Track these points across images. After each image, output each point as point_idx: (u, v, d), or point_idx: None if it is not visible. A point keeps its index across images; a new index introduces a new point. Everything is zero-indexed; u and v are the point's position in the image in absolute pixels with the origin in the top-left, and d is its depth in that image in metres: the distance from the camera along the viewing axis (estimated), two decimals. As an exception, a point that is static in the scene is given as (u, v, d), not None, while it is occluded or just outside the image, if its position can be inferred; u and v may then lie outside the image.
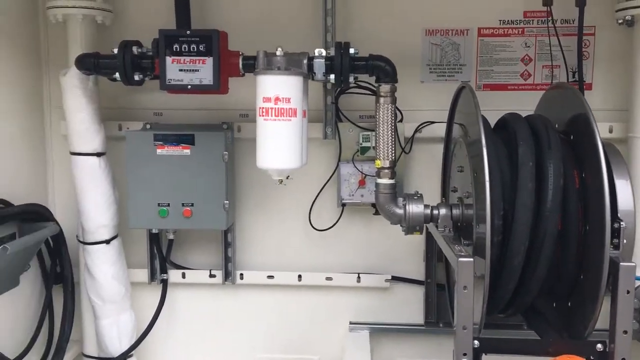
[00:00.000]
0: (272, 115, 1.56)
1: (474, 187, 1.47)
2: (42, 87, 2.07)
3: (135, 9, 2.04)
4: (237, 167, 2.05)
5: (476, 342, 1.39)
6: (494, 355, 1.41)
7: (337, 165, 2.00)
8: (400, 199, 1.68)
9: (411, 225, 1.66)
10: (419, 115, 1.97)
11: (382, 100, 1.66)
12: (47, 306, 2.00)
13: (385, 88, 1.65)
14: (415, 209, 1.64)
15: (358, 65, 1.65)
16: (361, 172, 1.97)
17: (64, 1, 1.85)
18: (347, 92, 1.97)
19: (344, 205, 2.00)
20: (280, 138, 1.58)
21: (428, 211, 1.64)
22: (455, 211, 1.63)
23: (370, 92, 1.91)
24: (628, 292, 1.33)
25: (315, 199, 2.04)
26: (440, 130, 1.91)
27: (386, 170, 1.68)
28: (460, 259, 1.37)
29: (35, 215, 1.86)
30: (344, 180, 1.98)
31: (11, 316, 1.87)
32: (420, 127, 1.97)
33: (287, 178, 1.67)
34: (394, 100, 1.66)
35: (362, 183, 1.97)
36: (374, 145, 1.95)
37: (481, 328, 1.41)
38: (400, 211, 1.67)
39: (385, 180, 1.68)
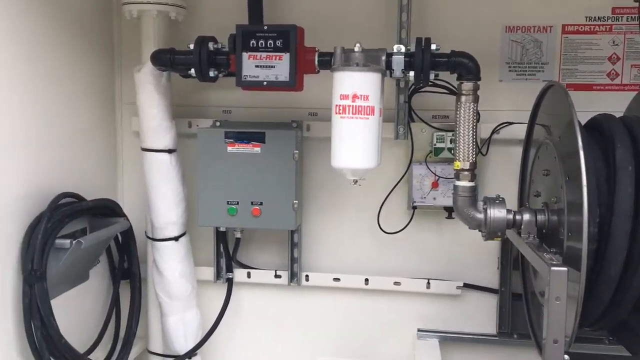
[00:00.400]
0: (349, 113, 1.51)
1: (565, 192, 1.38)
2: (114, 84, 2.09)
3: (206, 6, 2.03)
4: (305, 167, 2.01)
5: (567, 356, 1.30)
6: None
7: (409, 166, 1.93)
8: (480, 203, 1.60)
9: (492, 231, 1.58)
10: (496, 115, 1.88)
11: (463, 98, 1.59)
12: (115, 302, 2.01)
13: (467, 86, 1.58)
14: (497, 213, 1.55)
15: (439, 62, 1.58)
16: (434, 174, 1.90)
17: (139, -3, 1.85)
18: (421, 90, 1.90)
19: (414, 207, 1.93)
20: (357, 137, 1.52)
21: (510, 216, 1.55)
22: (541, 217, 1.53)
23: (446, 91, 1.84)
24: None
25: (385, 200, 1.98)
26: (519, 131, 1.80)
27: (466, 172, 1.60)
28: (553, 268, 1.27)
29: (107, 210, 1.87)
30: (416, 182, 1.91)
31: (80, 311, 1.88)
32: (498, 128, 1.88)
33: (358, 181, 1.61)
34: (476, 99, 1.59)
35: (435, 185, 1.90)
36: (448, 146, 1.89)
37: (572, 342, 1.32)
38: (480, 216, 1.59)
39: (464, 183, 1.61)
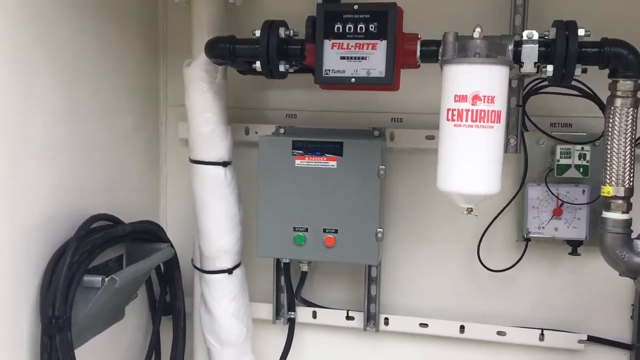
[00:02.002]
0: (467, 120, 1.13)
1: None
2: (158, 81, 1.76)
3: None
4: (386, 186, 1.63)
5: None
6: None
7: (521, 186, 1.54)
8: (637, 242, 1.20)
9: (655, 280, 1.18)
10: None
11: (618, 102, 1.19)
12: (155, 342, 1.68)
13: (625, 86, 1.18)
14: (666, 257, 1.16)
15: (588, 53, 1.18)
16: (557, 198, 1.49)
17: (191, -24, 1.51)
18: (541, 92, 1.50)
19: (528, 239, 1.54)
20: (477, 152, 1.14)
21: (682, 262, 1.16)
22: None
23: (576, 93, 1.44)
24: None
25: (487, 229, 1.59)
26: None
27: (620, 201, 1.20)
28: None
29: (148, 235, 1.53)
30: (532, 208, 1.52)
31: (114, 354, 1.56)
32: (638, 141, 1.46)
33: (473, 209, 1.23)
34: (635, 103, 1.19)
35: (557, 213, 1.50)
36: (576, 162, 1.49)
37: None
38: (638, 259, 1.19)
39: (617, 215, 1.20)
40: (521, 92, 1.52)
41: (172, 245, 1.59)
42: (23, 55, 1.16)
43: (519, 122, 1.53)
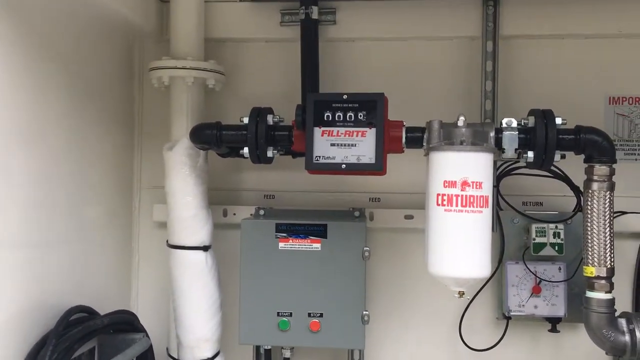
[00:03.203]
0: (457, 205, 1.16)
1: None
2: (133, 164, 1.73)
3: (248, 73, 1.71)
4: (368, 266, 1.62)
5: None
6: None
7: (499, 264, 1.57)
8: (622, 321, 1.24)
9: (642, 358, 1.21)
10: (604, 203, 1.55)
11: (596, 185, 1.25)
12: None
13: (602, 170, 1.25)
14: (650, 336, 1.20)
15: (565, 139, 1.25)
16: (535, 276, 1.53)
17: (172, 61, 1.52)
18: (514, 173, 1.57)
19: (508, 318, 1.56)
20: (468, 236, 1.17)
21: (665, 340, 1.20)
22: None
23: (547, 174, 1.51)
24: None
25: (467, 307, 1.60)
26: (634, 223, 1.50)
27: (603, 282, 1.25)
28: None
29: (124, 325, 1.45)
30: (512, 286, 1.55)
31: None
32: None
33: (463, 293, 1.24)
34: (611, 187, 1.26)
35: (536, 290, 1.53)
36: (551, 241, 1.54)
37: None
38: (624, 338, 1.23)
39: (601, 295, 1.25)
40: (494, 174, 1.58)
41: (147, 335, 1.51)
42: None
43: (494, 202, 1.58)
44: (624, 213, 1.54)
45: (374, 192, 1.68)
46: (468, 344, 1.59)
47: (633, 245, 1.52)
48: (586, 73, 1.61)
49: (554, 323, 1.54)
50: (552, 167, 1.50)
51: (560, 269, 1.53)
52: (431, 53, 1.66)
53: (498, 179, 1.58)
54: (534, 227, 1.54)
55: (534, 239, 1.54)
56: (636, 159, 1.60)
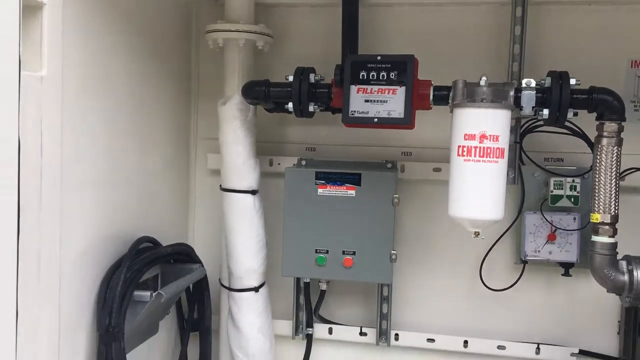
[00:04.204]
0: (475, 156, 1.32)
1: None
2: (190, 117, 1.93)
3: (293, 34, 1.87)
4: (397, 213, 1.80)
5: None
6: None
7: (519, 214, 1.72)
8: (623, 263, 1.39)
9: (638, 296, 1.36)
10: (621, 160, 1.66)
11: (605, 141, 1.38)
12: (183, 357, 1.80)
13: (611, 127, 1.37)
14: (647, 276, 1.34)
15: (579, 99, 1.38)
16: (551, 224, 1.68)
17: (226, 25, 1.70)
18: (535, 130, 1.70)
19: (525, 262, 1.71)
20: (484, 183, 1.33)
21: (661, 280, 1.33)
22: (697, 281, 1.31)
23: (568, 132, 1.63)
24: None
25: (488, 252, 1.76)
26: (650, 179, 1.61)
27: (607, 227, 1.38)
28: None
29: (183, 256, 1.68)
30: (529, 233, 1.70)
31: (146, 368, 1.69)
32: (624, 173, 1.66)
33: (479, 233, 1.41)
34: (619, 142, 1.38)
35: (551, 238, 1.68)
36: (567, 193, 1.67)
37: None
38: (623, 277, 1.37)
39: (604, 239, 1.39)
40: (519, 131, 1.70)
41: (202, 266, 1.74)
42: (76, 101, 1.28)
43: (516, 157, 1.71)
44: (638, 169, 1.66)
45: (406, 147, 1.83)
46: (487, 285, 1.76)
47: (646, 199, 1.63)
48: (610, 38, 1.70)
49: (566, 268, 1.69)
50: (572, 126, 1.64)
51: (574, 219, 1.67)
52: (463, 18, 1.77)
53: (521, 136, 1.71)
54: (552, 180, 1.68)
55: (552, 191, 1.68)
56: (654, 120, 1.70)
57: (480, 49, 1.77)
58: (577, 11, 1.72)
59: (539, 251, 1.69)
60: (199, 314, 1.80)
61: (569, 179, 1.67)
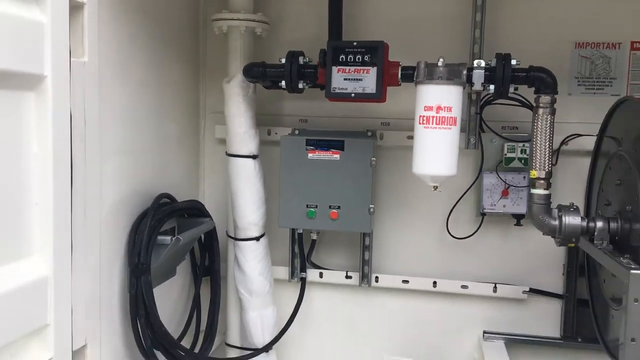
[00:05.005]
0: (433, 124, 1.62)
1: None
2: (199, 94, 2.24)
3: (286, 22, 2.16)
4: (377, 174, 2.11)
5: (645, 355, 1.38)
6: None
7: (479, 174, 2.03)
8: (555, 210, 1.69)
9: (566, 237, 1.67)
10: (565, 127, 1.96)
11: (541, 111, 1.68)
12: (197, 297, 2.14)
13: (545, 99, 1.67)
14: (572, 220, 1.64)
15: (519, 76, 1.68)
16: (505, 182, 1.99)
17: (229, 14, 1.99)
18: (492, 103, 1.99)
19: (484, 214, 2.03)
20: (440, 146, 1.63)
21: (584, 223, 1.64)
22: (614, 224, 1.62)
23: (517, 104, 1.93)
24: None
25: (454, 207, 2.08)
26: (587, 143, 1.91)
27: (542, 181, 1.69)
28: (633, 272, 1.36)
29: (195, 211, 2.00)
30: (486, 190, 2.01)
31: (167, 304, 2.01)
32: (567, 139, 1.97)
33: (438, 187, 1.72)
34: (552, 112, 1.68)
35: (505, 194, 1.99)
36: (519, 156, 1.98)
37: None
38: (555, 222, 1.68)
39: (540, 191, 1.70)
40: (479, 103, 2.01)
41: (212, 220, 2.06)
42: (107, 82, 1.57)
43: (477, 126, 2.02)
44: (579, 135, 1.96)
45: (385, 118, 2.12)
46: (453, 234, 2.08)
47: (586, 161, 1.92)
48: (558, 23, 1.98)
49: (518, 219, 2.00)
50: (522, 98, 1.93)
51: (524, 177, 1.97)
52: (433, 7, 2.05)
53: (481, 107, 2.02)
54: (506, 145, 1.98)
55: (506, 155, 1.98)
56: (594, 93, 1.99)
57: (446, 33, 2.05)
58: (530, 0, 2.00)
59: (494, 205, 2.00)
60: (209, 261, 2.13)
61: (520, 144, 1.97)
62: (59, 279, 1.35)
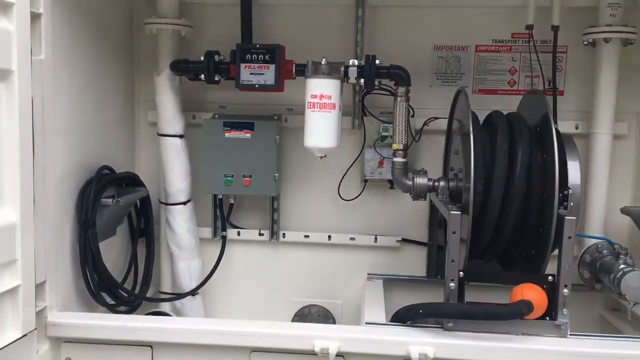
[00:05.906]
0: (317, 108, 2.13)
1: (464, 165, 2.02)
2: (134, 85, 2.65)
3: (206, 26, 2.60)
4: (283, 150, 2.61)
5: (461, 272, 1.93)
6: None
7: (362, 150, 2.56)
8: (410, 174, 2.24)
9: (417, 193, 2.22)
10: (427, 112, 2.50)
11: (398, 99, 2.22)
12: (134, 255, 2.56)
13: (401, 90, 2.21)
14: (420, 180, 2.20)
15: (381, 72, 2.21)
16: (380, 155, 2.53)
17: (158, 19, 2.42)
18: (371, 92, 2.52)
19: (366, 181, 2.56)
20: (322, 124, 2.14)
21: (431, 183, 2.19)
22: (452, 183, 2.17)
23: (389, 93, 2.46)
24: (569, 237, 1.85)
25: (344, 176, 2.59)
26: (443, 124, 2.46)
27: (400, 152, 2.24)
28: (452, 212, 1.92)
29: (131, 181, 2.43)
30: (367, 161, 2.54)
31: (110, 260, 2.41)
32: (428, 121, 2.51)
33: (324, 156, 2.23)
34: (407, 99, 2.22)
35: (381, 164, 2.53)
36: (391, 134, 2.51)
37: (465, 263, 1.95)
38: (409, 182, 2.23)
39: (399, 159, 2.24)
40: (361, 93, 2.54)
41: (146, 188, 2.50)
42: (58, 75, 1.97)
43: (359, 111, 2.54)
44: (437, 118, 2.52)
45: (290, 105, 2.58)
46: (343, 197, 2.61)
47: (442, 137, 2.46)
48: (421, 29, 2.52)
49: (392, 183, 2.53)
50: (391, 89, 2.46)
51: (395, 151, 2.52)
52: (324, 16, 2.55)
53: (363, 96, 2.54)
54: (381, 126, 2.52)
55: (381, 134, 2.52)
56: (449, 85, 2.55)
57: (336, 37, 2.55)
58: (399, 12, 2.54)
59: (373, 173, 2.54)
60: (145, 224, 2.56)
61: (391, 125, 2.51)
62: (24, 224, 1.74)
